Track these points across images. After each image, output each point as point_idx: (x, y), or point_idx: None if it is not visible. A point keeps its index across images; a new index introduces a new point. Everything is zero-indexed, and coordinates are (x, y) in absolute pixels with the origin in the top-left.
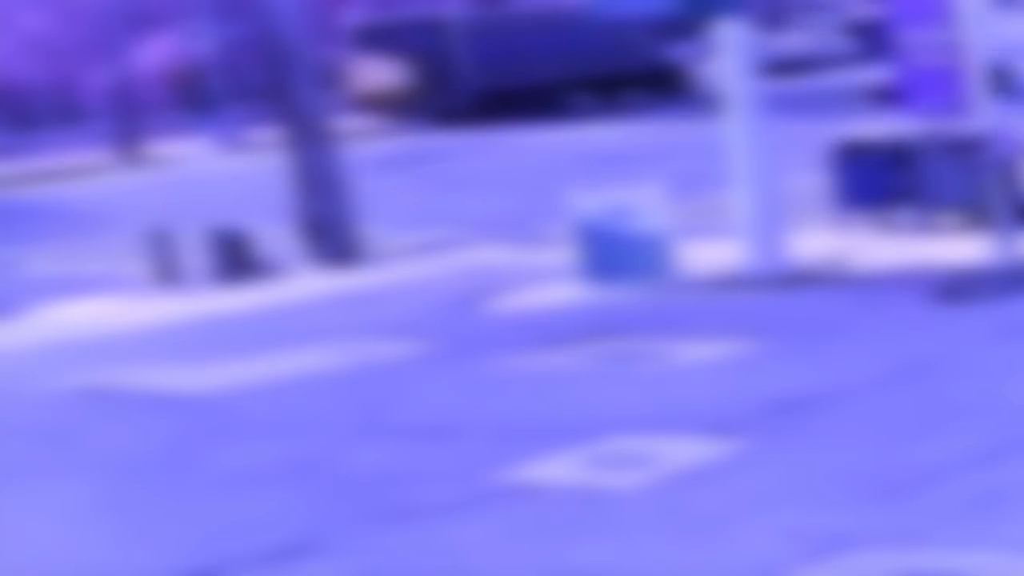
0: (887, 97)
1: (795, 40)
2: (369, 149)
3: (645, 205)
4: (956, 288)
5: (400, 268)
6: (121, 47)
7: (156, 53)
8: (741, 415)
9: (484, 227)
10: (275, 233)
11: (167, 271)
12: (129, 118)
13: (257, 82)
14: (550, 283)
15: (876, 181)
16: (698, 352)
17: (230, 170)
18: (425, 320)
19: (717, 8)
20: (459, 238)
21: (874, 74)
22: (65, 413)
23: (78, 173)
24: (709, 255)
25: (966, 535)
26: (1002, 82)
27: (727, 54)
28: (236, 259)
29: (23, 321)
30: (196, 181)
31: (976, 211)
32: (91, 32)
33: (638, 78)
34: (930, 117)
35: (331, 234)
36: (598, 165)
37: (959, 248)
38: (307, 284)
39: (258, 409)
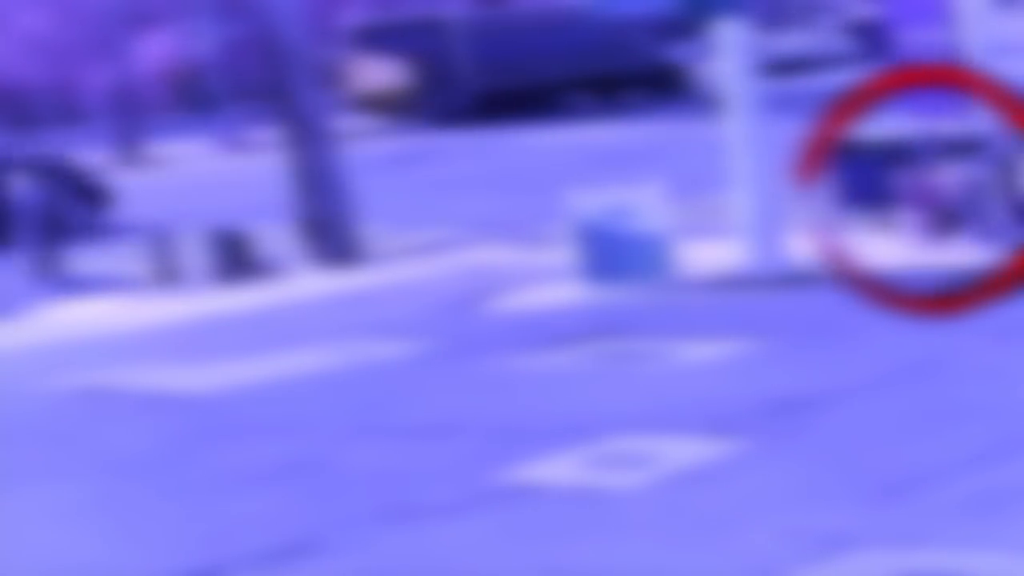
0: None
1: (795, 40)
2: (369, 149)
3: (645, 205)
4: (956, 288)
5: (400, 268)
6: (121, 47)
7: (156, 53)
8: (741, 415)
9: (484, 227)
10: (275, 233)
11: (167, 271)
12: (129, 118)
13: (257, 82)
14: (550, 283)
15: (876, 181)
16: (698, 352)
17: (230, 170)
18: (425, 320)
19: (717, 8)
20: (459, 238)
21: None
22: (65, 413)
23: None
24: (709, 255)
25: (966, 535)
26: None
27: (727, 54)
28: (236, 259)
29: (23, 321)
30: (196, 181)
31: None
32: (91, 32)
33: (638, 78)
34: (930, 117)
35: (331, 234)
36: (598, 165)
37: (959, 248)
38: (307, 284)
39: (258, 409)
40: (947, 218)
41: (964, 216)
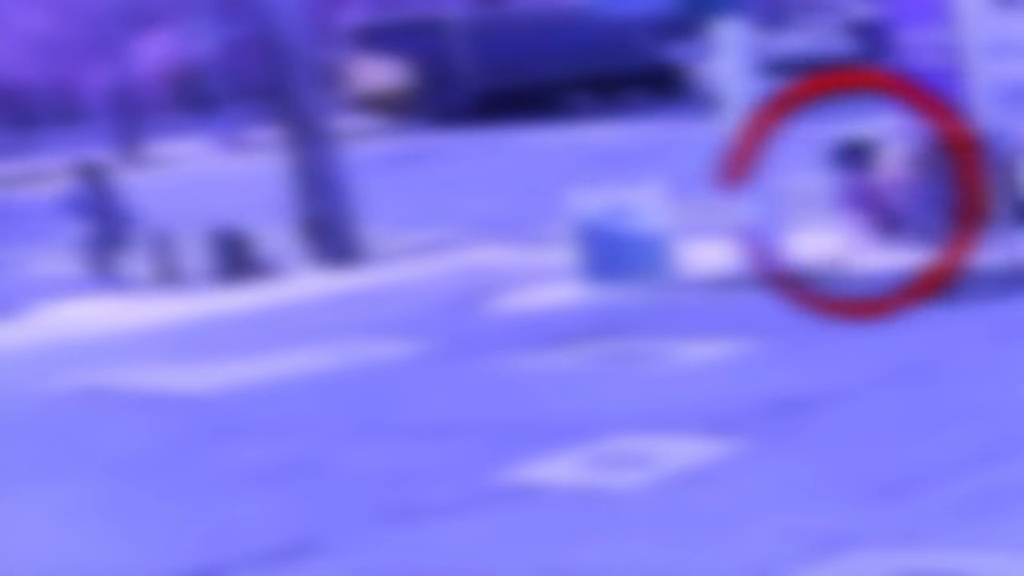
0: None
1: (795, 40)
2: (369, 149)
3: (645, 205)
4: (956, 288)
5: (400, 268)
6: (121, 47)
7: (156, 53)
8: (741, 415)
9: (484, 227)
10: (275, 233)
11: (168, 271)
12: (129, 118)
13: (257, 82)
14: (550, 283)
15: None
16: (698, 352)
17: (230, 170)
18: (425, 320)
19: (717, 8)
20: (459, 238)
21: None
22: (65, 413)
23: None
24: (709, 255)
25: (966, 535)
26: None
27: (726, 54)
28: (236, 259)
29: (23, 321)
30: (196, 181)
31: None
32: (91, 32)
33: (638, 78)
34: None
35: (331, 234)
36: (598, 165)
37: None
38: (307, 284)
39: (258, 409)
40: (891, 219)
41: (907, 217)
